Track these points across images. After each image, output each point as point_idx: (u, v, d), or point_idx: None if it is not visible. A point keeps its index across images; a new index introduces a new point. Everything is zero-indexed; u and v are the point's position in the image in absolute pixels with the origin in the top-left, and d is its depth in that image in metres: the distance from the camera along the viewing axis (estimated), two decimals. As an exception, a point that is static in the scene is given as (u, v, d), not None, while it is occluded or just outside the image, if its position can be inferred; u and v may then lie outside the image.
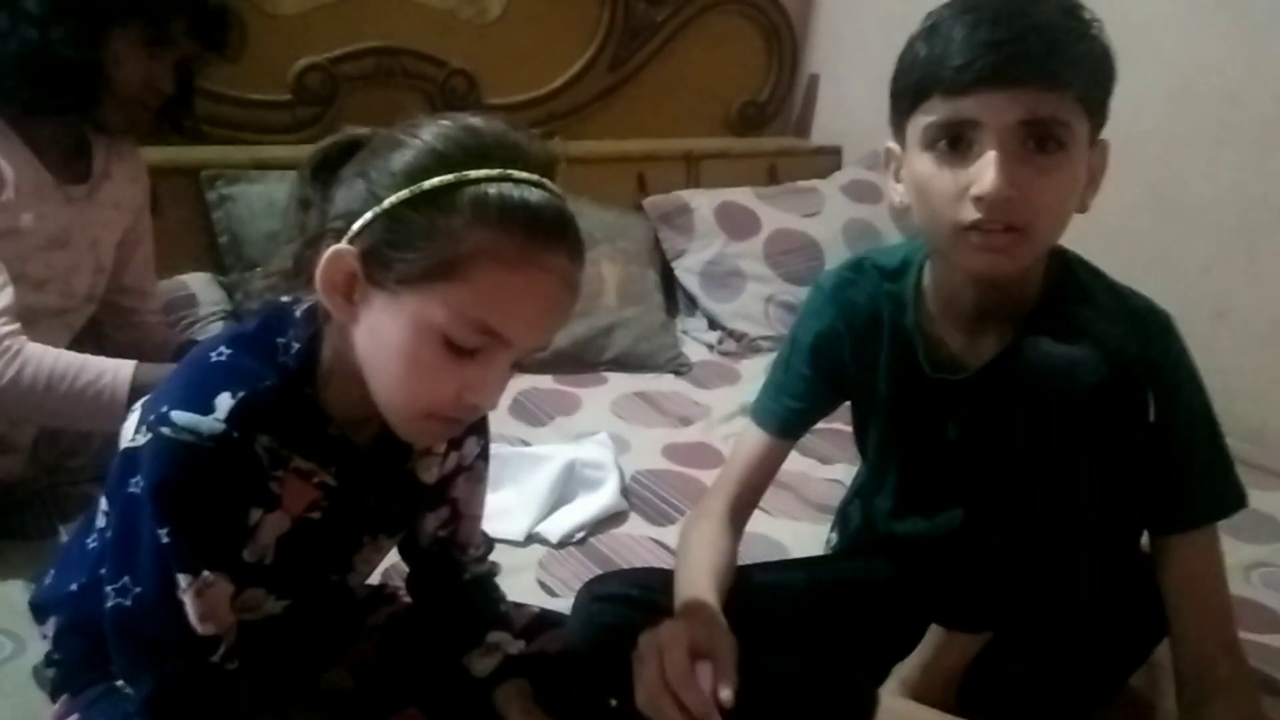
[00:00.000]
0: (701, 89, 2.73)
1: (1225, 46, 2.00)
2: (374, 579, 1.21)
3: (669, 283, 2.47)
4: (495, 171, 0.78)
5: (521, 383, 2.10)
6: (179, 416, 0.80)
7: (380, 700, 1.06)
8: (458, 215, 0.77)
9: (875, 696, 1.07)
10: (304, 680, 1.09)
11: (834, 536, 1.41)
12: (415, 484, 1.00)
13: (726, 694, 0.90)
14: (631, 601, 1.08)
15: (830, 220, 2.53)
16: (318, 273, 0.81)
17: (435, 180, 0.78)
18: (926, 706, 1.07)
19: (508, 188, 0.78)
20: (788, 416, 1.19)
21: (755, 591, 1.13)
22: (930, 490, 1.16)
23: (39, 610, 1.03)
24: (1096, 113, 0.96)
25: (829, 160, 2.80)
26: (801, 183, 2.66)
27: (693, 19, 2.65)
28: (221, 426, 0.80)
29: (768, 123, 2.88)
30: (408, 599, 1.16)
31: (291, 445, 0.86)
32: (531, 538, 1.54)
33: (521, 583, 1.40)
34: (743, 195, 2.56)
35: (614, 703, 1.14)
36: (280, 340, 0.86)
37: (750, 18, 2.75)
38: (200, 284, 1.97)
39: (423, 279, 0.78)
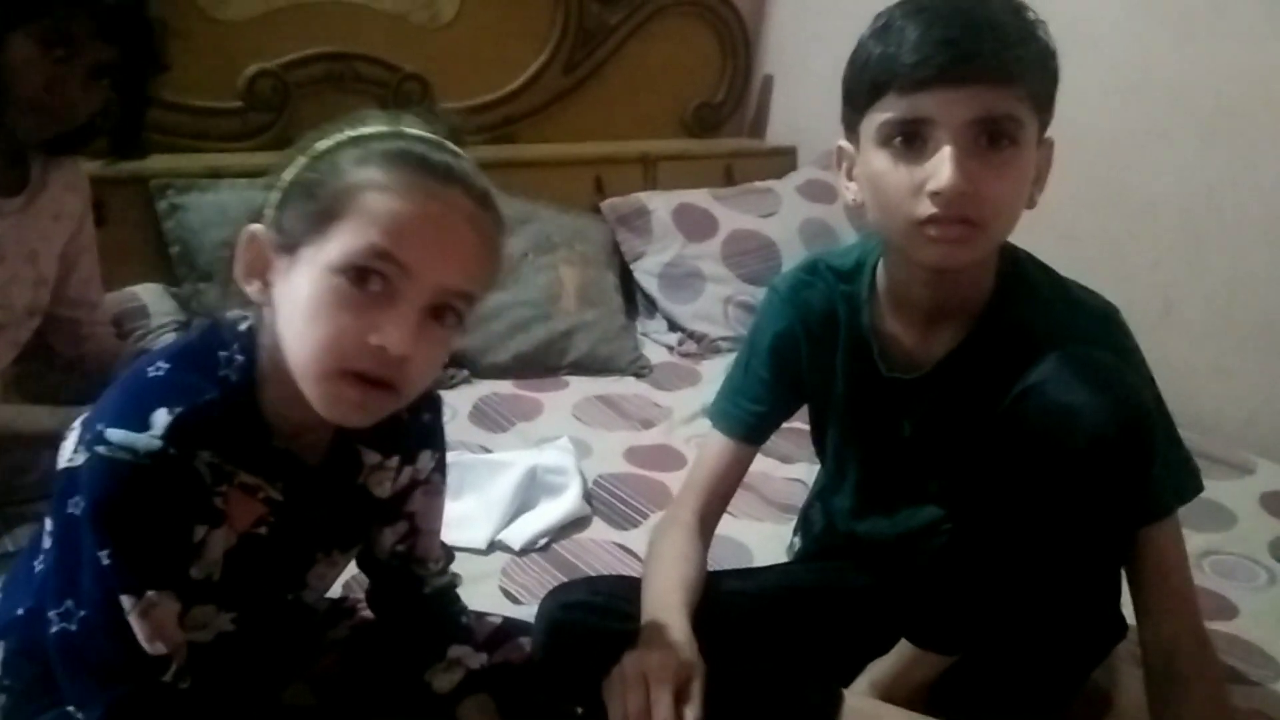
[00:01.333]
0: (657, 91, 2.74)
1: (1166, 43, 2.04)
2: (334, 592, 1.20)
3: (628, 285, 2.46)
4: (385, 129, 0.81)
5: (481, 389, 2.09)
6: (114, 434, 0.78)
7: (343, 714, 1.05)
8: (344, 162, 0.79)
9: (840, 695, 1.08)
10: (266, 697, 1.07)
11: (796, 541, 1.42)
12: (368, 499, 0.98)
13: (690, 717, 0.90)
14: (596, 609, 1.08)
15: (787, 220, 2.55)
16: (235, 263, 0.82)
17: (326, 142, 0.81)
18: (894, 706, 1.08)
19: (397, 141, 0.80)
20: (750, 420, 1.20)
21: (724, 598, 1.13)
22: (889, 489, 1.17)
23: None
24: (1044, 110, 0.97)
25: (784, 161, 2.82)
26: (758, 183, 2.67)
27: (647, 21, 2.65)
28: (158, 444, 0.79)
29: (723, 124, 2.89)
30: (369, 612, 1.14)
31: (235, 460, 0.85)
32: (494, 545, 1.53)
33: (484, 591, 1.39)
34: (700, 197, 2.56)
35: (579, 711, 1.14)
36: (223, 354, 0.85)
37: (704, 19, 2.75)
38: (152, 295, 1.93)
39: (316, 227, 0.78)
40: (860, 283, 1.12)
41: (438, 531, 1.09)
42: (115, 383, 0.87)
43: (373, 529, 1.04)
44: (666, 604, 1.02)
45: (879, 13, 0.98)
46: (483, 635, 1.12)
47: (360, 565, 1.09)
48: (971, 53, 0.90)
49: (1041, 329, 1.01)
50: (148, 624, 0.81)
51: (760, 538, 1.56)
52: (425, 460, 1.03)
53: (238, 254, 0.83)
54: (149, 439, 0.79)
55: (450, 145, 0.82)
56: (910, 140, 0.94)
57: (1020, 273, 1.06)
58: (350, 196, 0.78)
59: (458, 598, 1.12)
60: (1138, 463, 0.93)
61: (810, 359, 1.16)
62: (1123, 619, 1.14)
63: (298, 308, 0.80)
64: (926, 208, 0.94)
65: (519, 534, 1.54)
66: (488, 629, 1.13)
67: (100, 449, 0.78)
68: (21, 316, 1.49)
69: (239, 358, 0.85)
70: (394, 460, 0.99)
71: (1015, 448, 0.95)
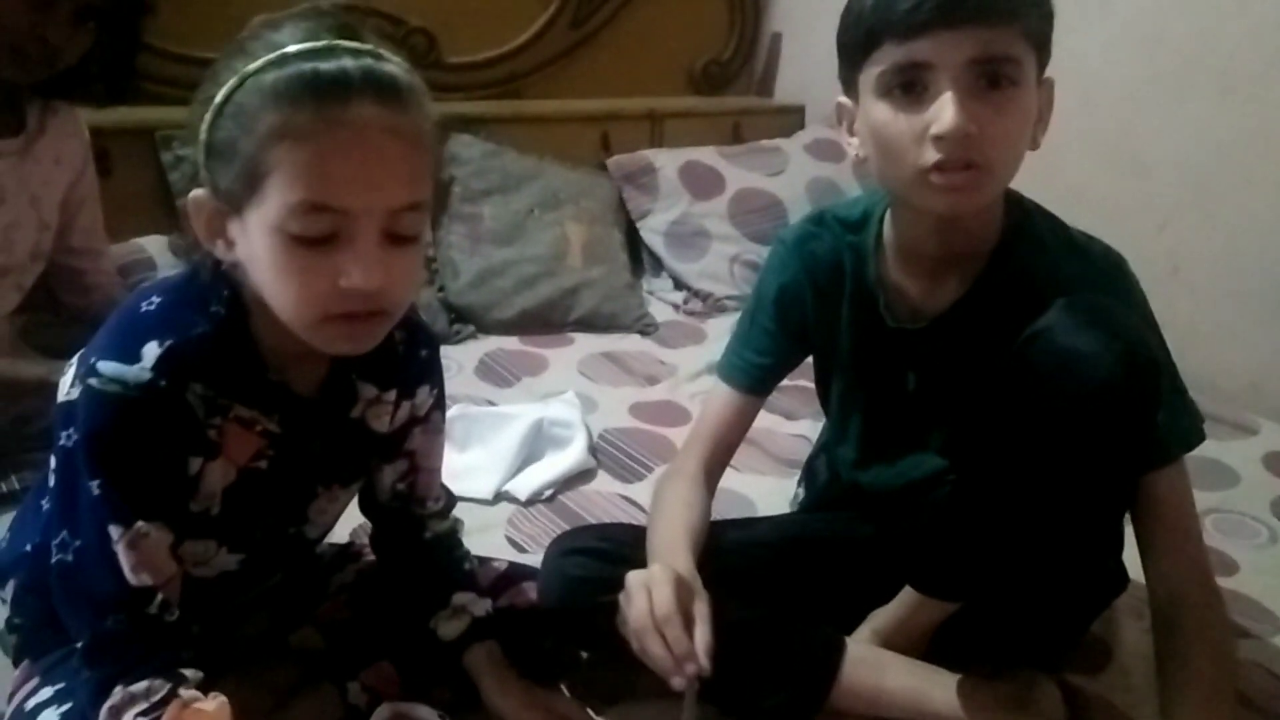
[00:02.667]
0: (664, 47, 2.71)
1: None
2: (341, 537, 1.21)
3: (634, 243, 2.46)
4: (272, 55, 0.77)
5: (487, 344, 2.10)
6: (106, 367, 0.80)
7: (351, 657, 1.06)
8: (245, 112, 0.76)
9: (842, 642, 1.09)
10: (274, 640, 1.08)
11: (800, 492, 1.43)
12: (367, 433, 0.99)
13: (701, 642, 0.91)
14: (601, 555, 1.09)
15: (794, 179, 2.54)
16: (195, 229, 0.82)
17: (221, 92, 0.78)
18: (896, 654, 1.10)
19: (283, 68, 0.76)
20: (755, 372, 1.20)
21: (727, 548, 1.14)
22: (893, 439, 1.18)
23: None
24: (1042, 48, 0.96)
25: (792, 119, 2.80)
26: (765, 142, 2.66)
27: (654, -25, 2.62)
28: (148, 375, 0.80)
29: (731, 82, 2.87)
30: (374, 557, 1.16)
31: (229, 393, 0.86)
32: (500, 496, 1.54)
33: (490, 540, 1.40)
34: (707, 155, 2.55)
35: (585, 655, 1.16)
36: (212, 290, 0.85)
37: (712, -25, 2.73)
38: (158, 247, 1.93)
39: (249, 188, 0.77)
40: (867, 234, 1.12)
41: (438, 470, 1.09)
42: (110, 318, 0.87)
43: (373, 466, 1.05)
44: (672, 548, 1.03)
45: None
46: (488, 580, 1.13)
47: (362, 509, 1.10)
48: None
49: (1048, 277, 1.00)
50: (135, 555, 0.82)
51: (764, 491, 1.57)
52: (424, 395, 1.03)
53: (192, 221, 0.82)
54: (139, 370, 0.80)
55: (342, 44, 0.78)
56: (909, 88, 0.94)
57: (1026, 221, 1.05)
58: (264, 153, 0.76)
59: (460, 543, 1.13)
60: (1144, 407, 0.93)
61: (816, 310, 1.16)
62: (1124, 571, 1.15)
63: (264, 268, 0.79)
64: (931, 154, 0.93)
65: (525, 485, 1.55)
66: (493, 574, 1.14)
67: (92, 381, 0.80)
68: (25, 261, 1.49)
69: (226, 292, 0.85)
70: (391, 394, 0.99)
71: (1021, 393, 0.95)
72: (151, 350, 0.81)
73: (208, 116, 0.79)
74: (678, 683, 0.91)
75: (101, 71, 1.43)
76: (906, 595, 1.09)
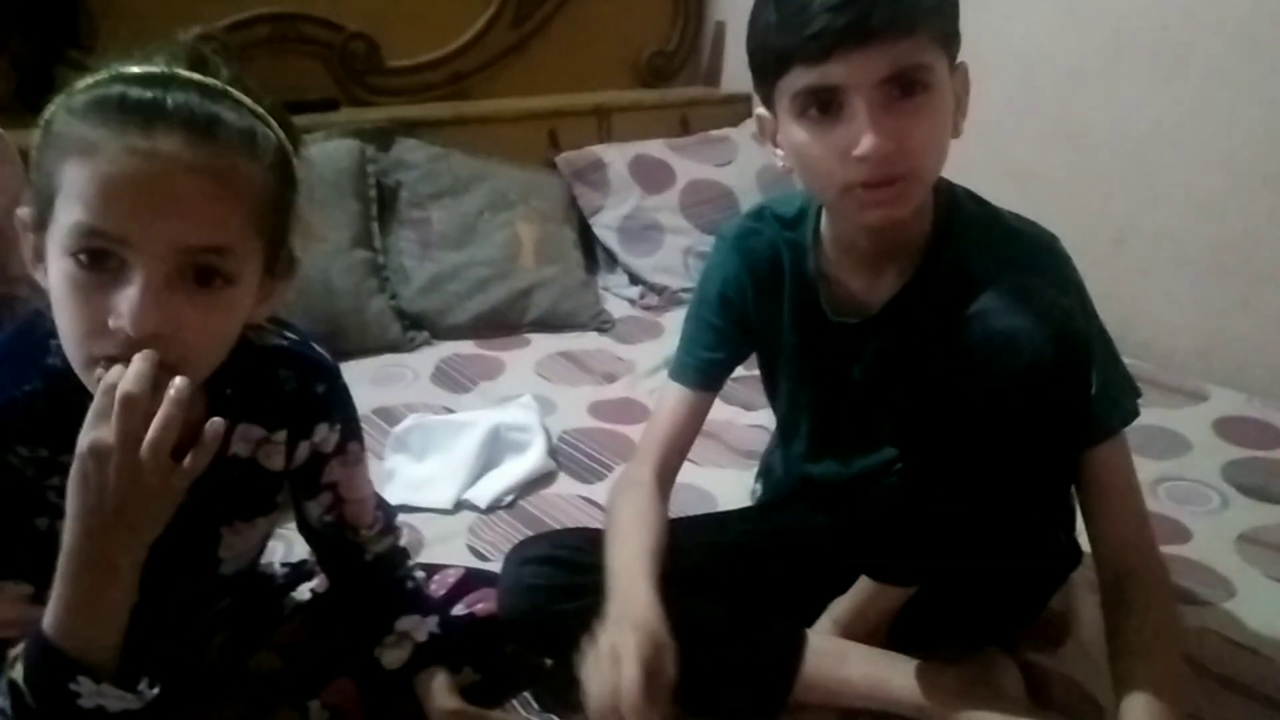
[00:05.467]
0: (609, 41, 2.70)
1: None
2: (294, 557, 1.20)
3: (587, 240, 2.45)
4: (102, 75, 0.73)
5: (443, 350, 2.09)
6: None
7: (310, 677, 1.05)
8: (56, 126, 0.73)
9: (803, 635, 1.10)
10: (232, 666, 1.07)
11: (758, 487, 1.43)
12: (261, 472, 0.95)
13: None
14: (559, 562, 1.09)
15: (744, 168, 2.54)
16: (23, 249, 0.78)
17: (51, 108, 0.74)
18: (856, 643, 1.10)
19: (106, 88, 0.72)
20: (705, 368, 1.20)
21: (686, 546, 1.14)
22: (841, 433, 1.18)
23: None
24: (951, 44, 0.96)
25: (740, 108, 2.79)
26: (714, 132, 2.66)
27: (594, -30, 2.61)
28: None
29: (677, 72, 2.87)
30: None
31: (70, 448, 0.75)
32: (460, 504, 1.54)
33: (452, 550, 1.40)
34: (656, 148, 2.55)
35: (548, 663, 1.16)
36: (53, 341, 0.78)
37: (652, -34, 2.72)
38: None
39: (46, 205, 0.73)
40: (804, 229, 1.12)
41: (364, 500, 1.05)
42: None
43: (296, 498, 1.02)
44: (632, 575, 1.01)
45: None
46: (445, 587, 1.12)
47: (301, 532, 1.08)
48: (868, 9, 0.89)
49: (981, 264, 1.01)
50: None
51: (724, 485, 1.57)
52: (323, 432, 0.98)
53: (22, 238, 0.77)
54: None
55: (181, 75, 0.74)
56: (825, 108, 0.93)
57: (957, 210, 1.06)
58: (58, 167, 0.72)
59: (403, 561, 1.11)
60: (1075, 385, 0.94)
61: (758, 306, 1.17)
62: (1078, 546, 1.17)
63: (56, 303, 0.74)
64: (855, 172, 0.93)
65: (485, 492, 1.55)
66: (453, 578, 1.14)
67: None
68: None
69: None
70: (281, 435, 0.95)
71: (959, 378, 0.96)
72: None
73: (37, 130, 0.75)
74: None
75: (17, 88, 1.39)
76: (863, 584, 1.10)
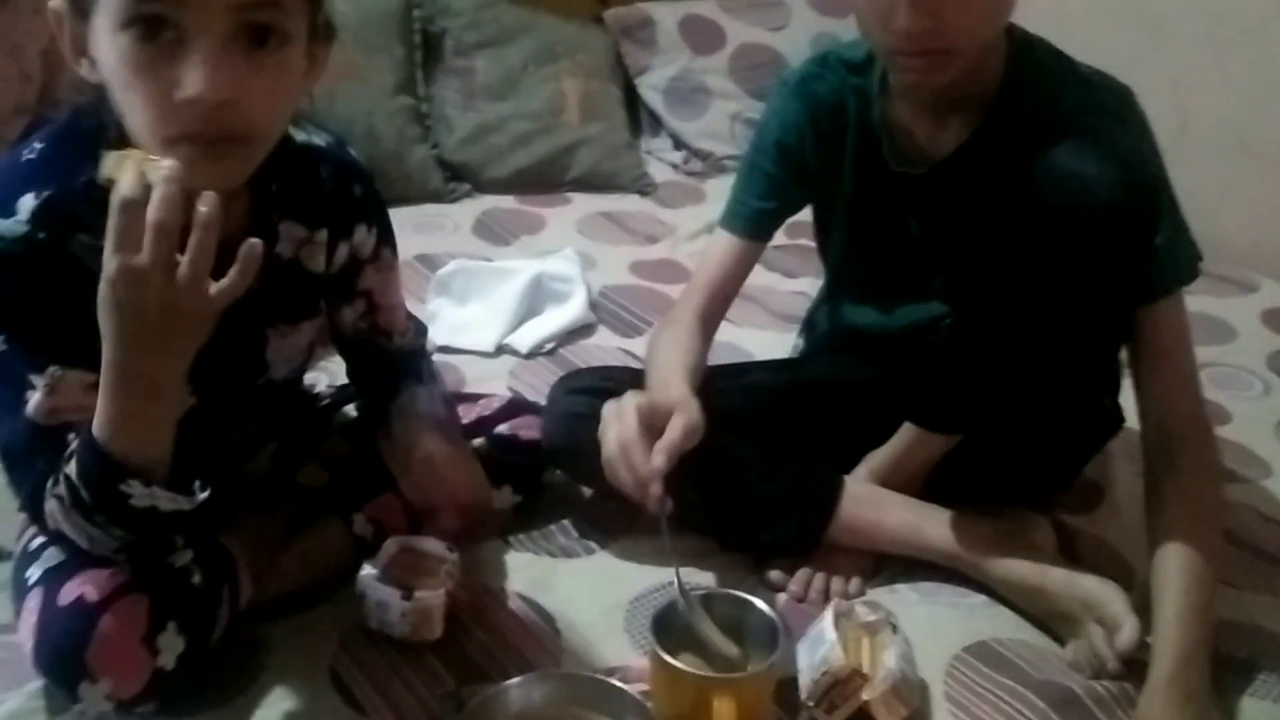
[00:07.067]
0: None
1: None
2: (340, 379, 1.22)
3: (632, 102, 2.39)
4: None
5: (484, 203, 2.07)
6: None
7: (355, 491, 1.08)
8: None
9: (840, 480, 1.11)
10: (281, 480, 1.10)
11: (801, 342, 1.43)
12: (304, 274, 0.96)
13: (658, 460, 0.94)
14: (604, 394, 1.09)
15: (797, 33, 2.46)
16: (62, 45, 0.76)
17: None
18: (892, 491, 1.12)
19: None
20: (755, 216, 1.18)
21: (726, 390, 1.15)
22: (893, 286, 1.17)
23: None
24: None
25: (795, -29, 2.69)
26: (767, -6, 2.56)
27: None
28: (24, 228, 0.78)
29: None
30: None
31: None
32: (501, 349, 1.55)
33: (492, 391, 1.41)
34: (707, 8, 2.46)
35: (588, 493, 1.18)
36: (106, 130, 0.78)
37: None
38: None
39: (81, 5, 0.72)
40: (871, 76, 1.09)
41: (397, 306, 1.08)
42: None
43: (330, 307, 1.03)
44: (667, 380, 1.04)
45: None
46: (489, 410, 1.14)
47: (334, 345, 1.09)
48: None
49: (1053, 113, 0.98)
50: (53, 400, 0.81)
51: (762, 345, 1.57)
52: (363, 235, 1.00)
53: (58, 35, 0.76)
54: (13, 224, 0.78)
55: None
56: None
57: (1029, 60, 1.02)
58: None
59: (427, 358, 1.14)
60: (1144, 231, 0.92)
61: (817, 153, 1.14)
62: (1120, 412, 1.17)
63: (115, 84, 0.74)
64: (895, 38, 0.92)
65: (526, 338, 1.56)
66: (495, 405, 1.15)
67: None
68: (7, 115, 1.46)
69: (113, 133, 0.78)
70: (323, 234, 0.96)
71: (1025, 224, 0.94)
72: (27, 203, 0.78)
73: None
74: (651, 506, 0.94)
75: None
76: (904, 432, 1.10)
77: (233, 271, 0.72)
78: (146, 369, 0.75)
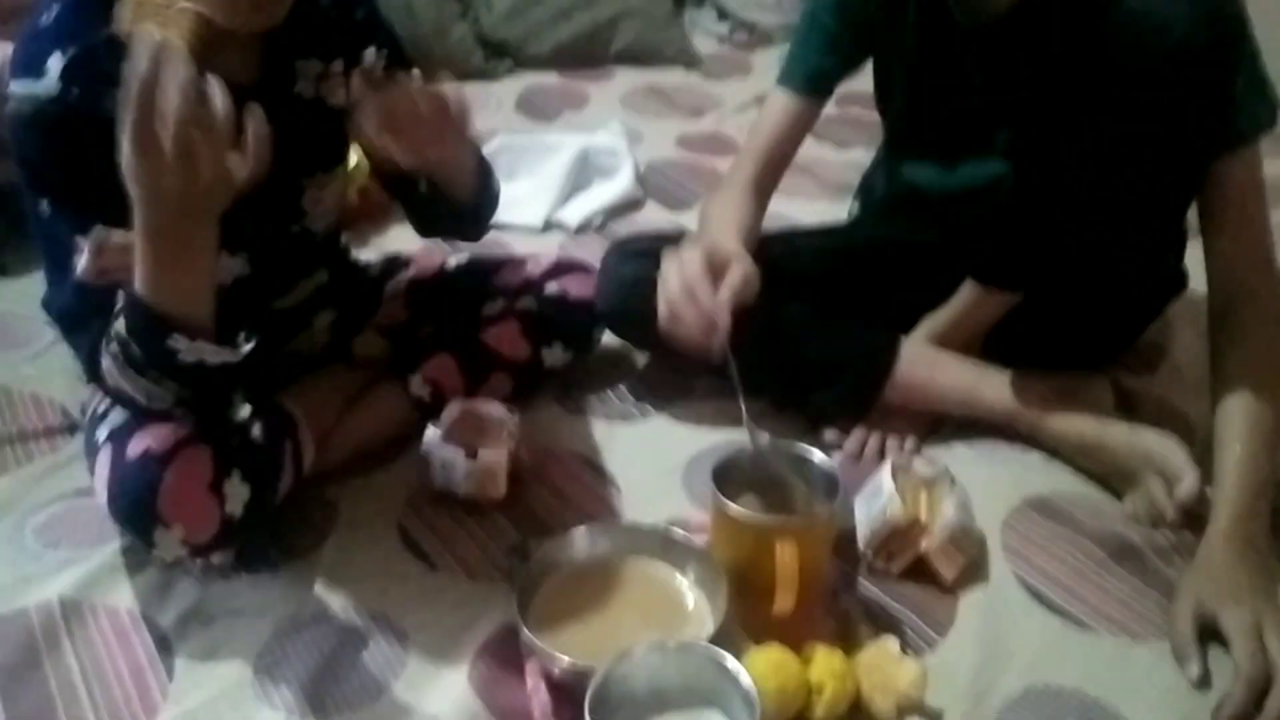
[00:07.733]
0: None
1: None
2: (390, 249, 1.22)
3: (675, -28, 2.33)
4: None
5: (526, 80, 2.05)
6: (15, 86, 0.78)
7: (412, 354, 1.09)
8: None
9: (896, 339, 1.10)
10: (339, 350, 1.12)
11: (856, 206, 1.40)
12: (328, 112, 0.96)
13: (724, 294, 0.93)
14: (658, 258, 1.09)
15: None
16: None
17: None
18: (949, 351, 1.11)
19: None
20: (814, 73, 1.15)
21: (782, 253, 1.13)
22: (955, 141, 1.14)
23: (47, 310, 1.00)
24: None
25: None
26: None
27: None
28: (56, 87, 0.78)
29: None
30: (423, 264, 1.18)
31: None
32: (550, 224, 1.54)
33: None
34: None
35: (640, 359, 1.19)
36: None
37: None
38: None
39: None
40: None
41: None
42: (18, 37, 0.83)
43: (348, 142, 1.02)
44: (721, 234, 1.03)
45: None
46: (540, 267, 1.15)
47: (390, 192, 1.10)
48: None
49: None
50: (104, 259, 0.81)
51: (814, 216, 1.53)
52: (371, 58, 0.98)
53: None
54: (45, 84, 0.78)
55: None
56: None
57: None
58: None
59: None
60: (1224, 71, 0.88)
61: (881, 9, 1.10)
62: (1185, 272, 1.14)
63: None
64: None
65: (574, 213, 1.55)
66: (549, 260, 1.16)
67: (10, 103, 0.78)
68: None
69: None
70: (339, 65, 0.96)
71: (1096, 65, 0.90)
72: (55, 62, 0.78)
73: None
74: (716, 349, 0.93)
75: None
76: (965, 291, 1.08)
77: (248, 157, 0.72)
78: (175, 229, 0.75)
